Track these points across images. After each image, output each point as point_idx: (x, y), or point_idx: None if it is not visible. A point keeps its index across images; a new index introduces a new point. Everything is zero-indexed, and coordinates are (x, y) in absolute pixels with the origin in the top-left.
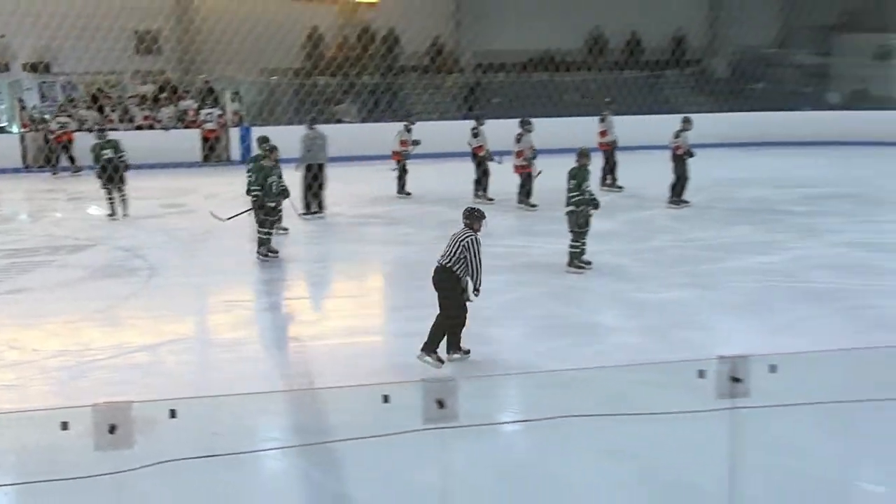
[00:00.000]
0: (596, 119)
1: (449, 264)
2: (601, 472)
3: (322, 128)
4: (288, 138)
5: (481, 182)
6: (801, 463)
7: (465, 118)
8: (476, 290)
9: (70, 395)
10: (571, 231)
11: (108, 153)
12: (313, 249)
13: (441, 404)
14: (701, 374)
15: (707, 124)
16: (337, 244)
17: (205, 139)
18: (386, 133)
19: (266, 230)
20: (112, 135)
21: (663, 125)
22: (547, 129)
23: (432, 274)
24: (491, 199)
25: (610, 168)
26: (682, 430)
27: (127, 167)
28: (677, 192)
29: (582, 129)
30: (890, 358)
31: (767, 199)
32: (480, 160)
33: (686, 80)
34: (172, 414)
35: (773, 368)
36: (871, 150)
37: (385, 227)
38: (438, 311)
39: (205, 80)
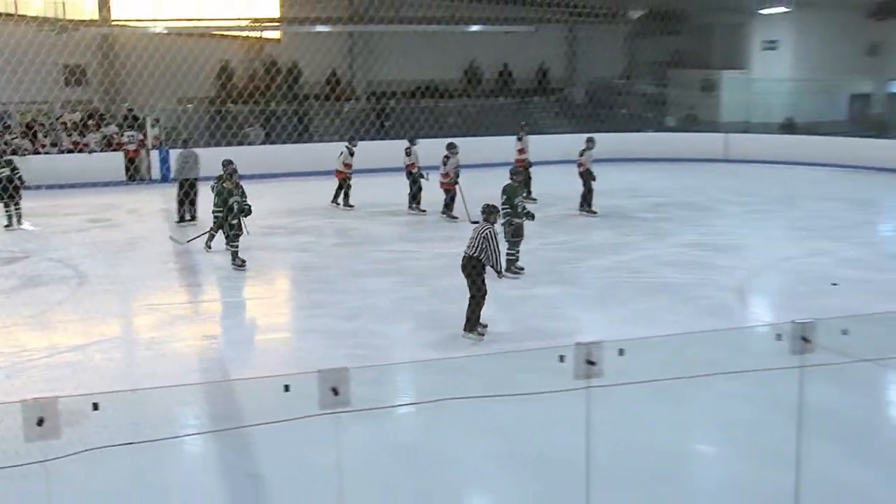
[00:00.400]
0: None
1: (474, 254)
2: (479, 446)
3: (230, 149)
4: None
5: (416, 196)
6: (647, 432)
7: (373, 139)
8: (498, 272)
9: (9, 392)
10: (506, 241)
11: (5, 172)
12: (226, 257)
13: (335, 391)
14: (561, 358)
15: (569, 144)
16: (246, 252)
17: (130, 160)
18: (289, 153)
19: (235, 244)
20: (43, 158)
21: (532, 145)
22: (431, 148)
23: (461, 263)
24: (423, 210)
25: (525, 182)
26: (546, 408)
27: (22, 184)
28: (587, 202)
29: (463, 148)
30: (716, 340)
31: (622, 206)
32: (413, 176)
33: (550, 106)
34: (95, 406)
35: (621, 352)
36: (701, 165)
37: (289, 236)
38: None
39: (128, 107)
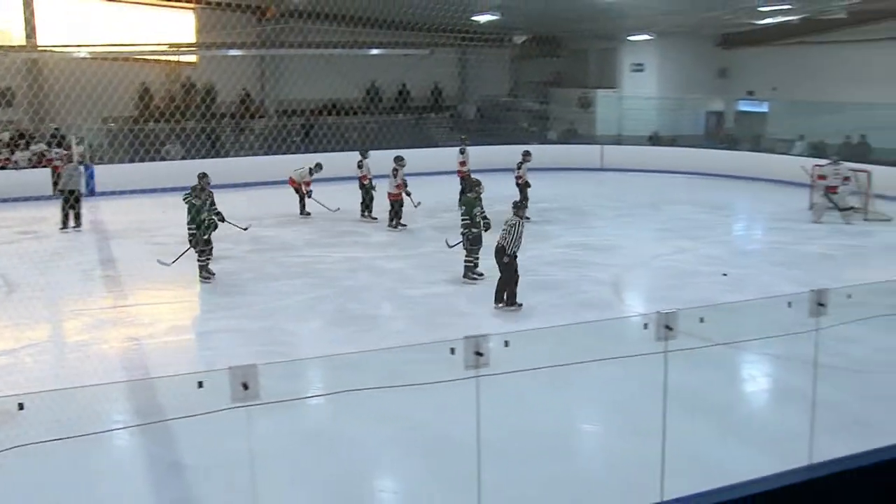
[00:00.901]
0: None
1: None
2: (382, 432)
3: (151, 164)
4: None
5: (368, 205)
6: (534, 414)
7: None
8: (507, 255)
9: None
10: (465, 248)
11: None
12: (145, 265)
13: (245, 386)
14: (452, 351)
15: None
16: (167, 259)
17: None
18: (205, 168)
19: (205, 258)
20: None
21: (428, 157)
22: (334, 162)
23: (495, 250)
24: (375, 218)
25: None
26: (441, 396)
27: None
28: (522, 210)
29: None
30: (593, 330)
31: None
32: (366, 187)
33: (444, 122)
34: (21, 406)
35: (506, 344)
36: (580, 174)
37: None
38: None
39: (55, 127)
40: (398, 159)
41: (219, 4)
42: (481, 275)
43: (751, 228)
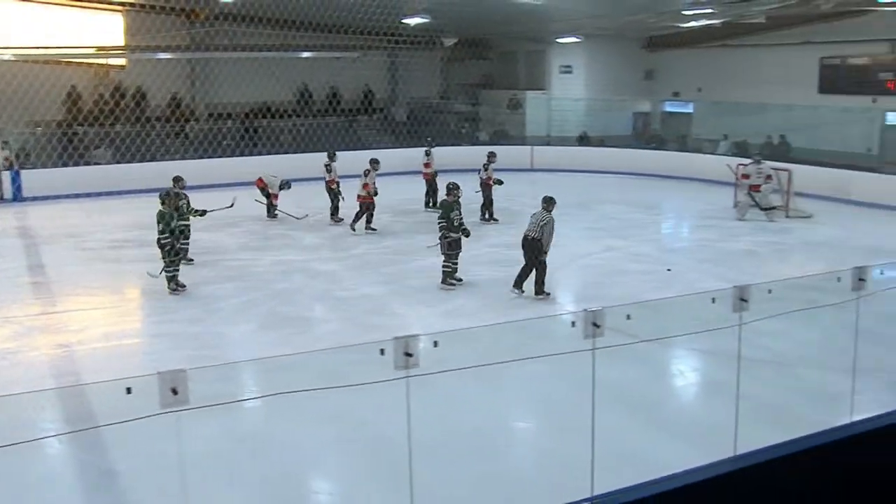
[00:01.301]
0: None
1: (536, 236)
2: (316, 434)
3: (80, 169)
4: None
5: (337, 208)
6: (466, 413)
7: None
8: (545, 252)
9: None
10: (442, 253)
11: None
12: (76, 269)
13: (174, 391)
14: (382, 352)
15: (393, 158)
16: (97, 264)
17: None
18: (134, 171)
19: (173, 269)
20: None
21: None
22: (267, 164)
23: (522, 242)
24: (341, 219)
25: (433, 193)
26: (376, 396)
27: None
28: (489, 213)
29: (303, 165)
30: (523, 329)
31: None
32: (333, 191)
33: (374, 124)
34: None
35: (435, 344)
36: (511, 174)
37: (137, 248)
38: (525, 265)
39: None
40: (373, 161)
41: (147, 7)
42: (460, 280)
43: (678, 227)
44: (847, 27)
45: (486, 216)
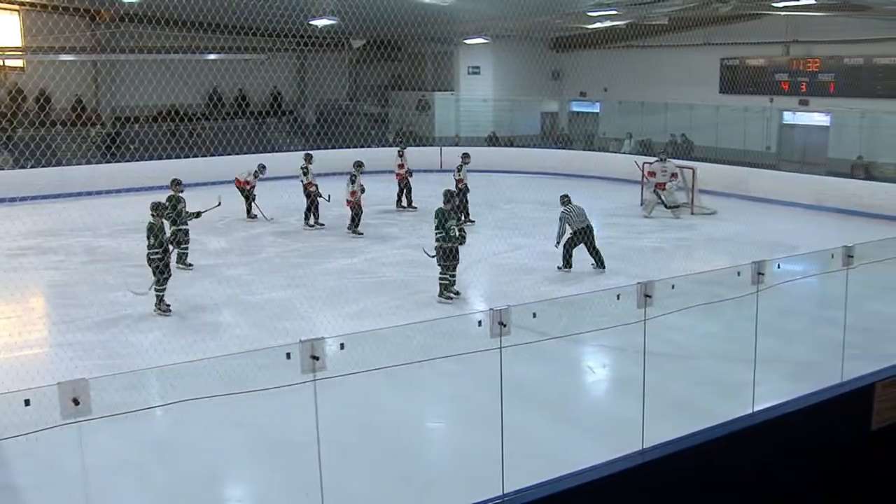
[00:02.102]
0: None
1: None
2: (227, 439)
3: None
4: None
5: (313, 211)
6: (377, 414)
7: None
8: (556, 244)
9: None
10: (439, 265)
11: None
12: None
13: (76, 402)
14: (288, 356)
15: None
16: None
17: None
18: (36, 177)
19: (162, 287)
20: None
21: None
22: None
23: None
24: (322, 224)
25: (408, 192)
26: (286, 400)
27: None
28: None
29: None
30: (430, 329)
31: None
32: (311, 193)
33: (283, 126)
34: None
35: (342, 346)
36: (420, 175)
37: (39, 256)
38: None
39: None
40: (358, 164)
41: (46, 7)
42: (457, 293)
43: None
44: (745, 29)
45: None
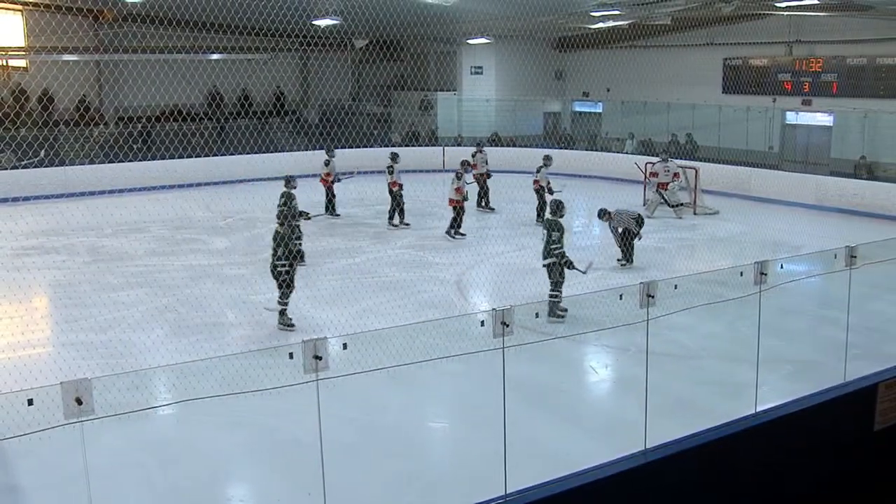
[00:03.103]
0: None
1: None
2: (230, 438)
3: None
4: None
5: (398, 211)
6: (381, 413)
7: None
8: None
9: None
10: (553, 280)
11: None
12: None
13: (79, 401)
14: (291, 356)
15: (303, 159)
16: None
17: None
18: (40, 177)
19: (287, 300)
20: None
21: (267, 163)
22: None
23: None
24: (407, 224)
25: (485, 193)
26: (286, 399)
27: None
28: (540, 215)
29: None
30: (435, 328)
31: (352, 214)
32: (394, 193)
33: (286, 126)
34: None
35: (345, 346)
36: (423, 175)
37: (42, 256)
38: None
39: None
40: (464, 163)
41: (49, 7)
42: (565, 310)
43: (588, 224)
44: (748, 29)
45: (540, 220)
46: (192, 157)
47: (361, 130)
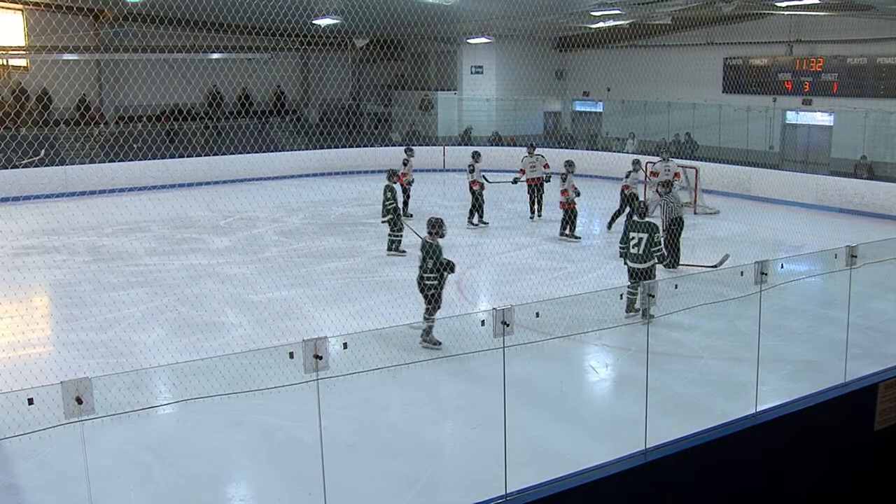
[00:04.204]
0: None
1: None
2: (230, 437)
3: None
4: None
5: (476, 209)
6: (381, 413)
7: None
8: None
9: None
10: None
11: None
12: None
13: (79, 401)
14: (291, 355)
15: (304, 159)
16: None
17: None
18: (39, 176)
19: (432, 318)
20: None
21: (268, 162)
22: (179, 167)
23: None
24: (486, 223)
25: (539, 198)
26: (286, 399)
27: None
28: (614, 219)
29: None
30: (436, 327)
31: (352, 214)
32: (474, 192)
33: (286, 126)
34: None
35: (345, 345)
36: (424, 175)
37: (42, 255)
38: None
39: None
40: (569, 164)
41: (49, 6)
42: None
43: (588, 224)
44: (748, 29)
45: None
46: (192, 156)
47: (362, 130)
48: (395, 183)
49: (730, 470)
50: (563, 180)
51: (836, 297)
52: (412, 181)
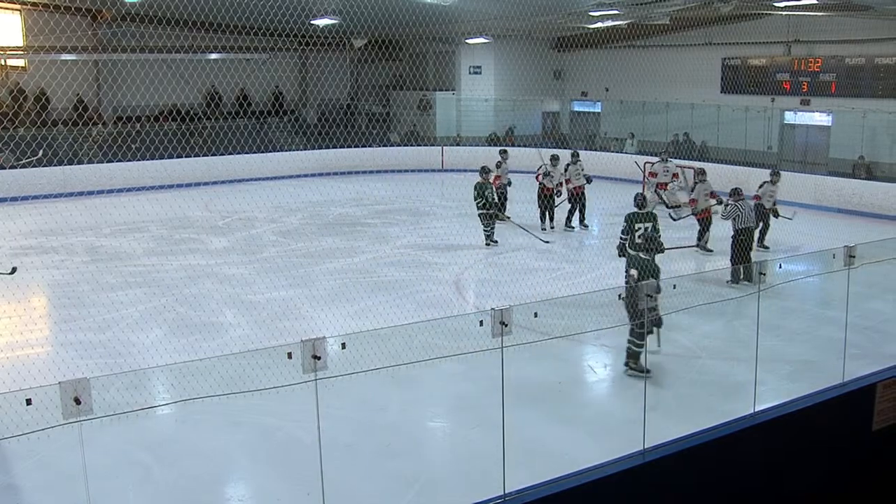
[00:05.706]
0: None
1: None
2: (228, 438)
3: None
4: None
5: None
6: (379, 413)
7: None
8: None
9: None
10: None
11: None
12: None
13: (77, 401)
14: (289, 355)
15: (302, 159)
16: None
17: None
18: (37, 176)
19: (641, 342)
20: None
21: (266, 162)
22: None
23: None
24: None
25: (581, 208)
26: (283, 400)
27: None
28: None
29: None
30: (433, 328)
31: (350, 214)
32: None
33: (285, 126)
34: None
35: (343, 346)
36: (422, 175)
37: (40, 255)
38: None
39: None
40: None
41: (47, 6)
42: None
43: (587, 224)
44: (746, 29)
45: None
46: (190, 156)
47: (360, 130)
48: (487, 182)
49: (728, 470)
50: (692, 190)
51: (835, 298)
52: (508, 183)
